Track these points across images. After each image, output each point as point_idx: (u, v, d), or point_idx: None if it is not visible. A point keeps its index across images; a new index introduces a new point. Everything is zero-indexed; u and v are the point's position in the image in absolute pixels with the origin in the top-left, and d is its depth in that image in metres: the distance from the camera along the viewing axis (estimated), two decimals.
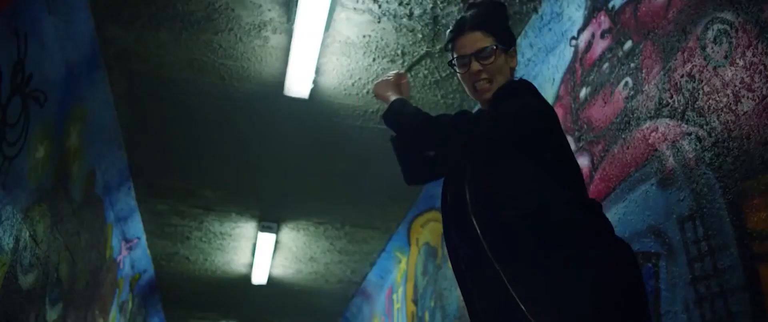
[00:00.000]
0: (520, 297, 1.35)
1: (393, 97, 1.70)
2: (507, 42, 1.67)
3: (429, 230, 4.90)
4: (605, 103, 2.37)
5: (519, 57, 3.05)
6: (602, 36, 2.45)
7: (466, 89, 1.70)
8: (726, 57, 1.74)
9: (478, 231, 1.44)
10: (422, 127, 1.58)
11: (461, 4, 2.92)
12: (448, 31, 1.71)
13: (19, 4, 2.38)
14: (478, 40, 1.62)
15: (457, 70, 1.68)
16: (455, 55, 1.67)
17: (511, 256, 1.38)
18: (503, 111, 1.52)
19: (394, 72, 1.86)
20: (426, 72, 3.41)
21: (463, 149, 1.52)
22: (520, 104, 1.53)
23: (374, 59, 3.33)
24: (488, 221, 1.43)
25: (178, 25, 3.12)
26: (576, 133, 2.59)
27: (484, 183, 1.49)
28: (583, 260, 1.32)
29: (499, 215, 1.42)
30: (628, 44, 2.26)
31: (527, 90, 1.60)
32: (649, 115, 2.08)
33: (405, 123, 1.63)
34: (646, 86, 2.12)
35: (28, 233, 2.87)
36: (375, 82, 1.86)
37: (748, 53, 1.65)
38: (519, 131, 1.50)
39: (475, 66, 1.61)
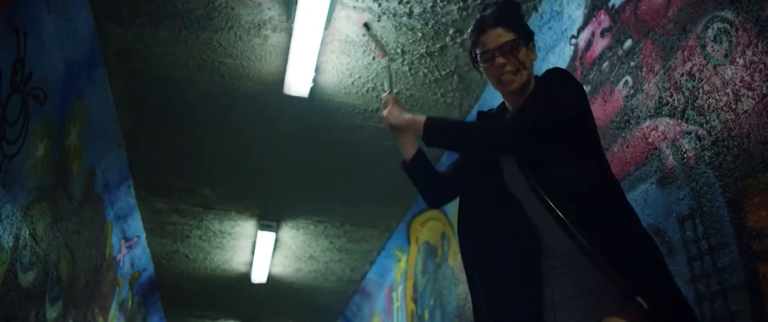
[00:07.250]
0: (608, 261, 1.40)
1: (420, 118, 1.73)
2: (527, 37, 1.74)
3: (429, 228, 4.91)
4: (605, 101, 2.37)
5: None
6: (602, 34, 2.45)
7: (491, 83, 1.77)
8: (726, 56, 1.74)
9: (553, 205, 1.48)
10: (490, 131, 1.65)
11: (460, 3, 2.92)
12: (470, 30, 1.78)
13: (19, 3, 2.38)
14: (501, 35, 1.69)
15: (481, 65, 1.74)
16: (478, 52, 1.73)
17: (593, 223, 1.45)
18: (560, 94, 1.60)
19: (386, 94, 1.89)
20: (425, 70, 3.41)
21: (533, 133, 1.55)
22: (574, 88, 1.63)
23: (374, 58, 3.33)
24: (565, 194, 1.50)
25: (178, 24, 3.11)
26: None
27: (550, 162, 1.56)
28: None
29: (575, 187, 1.51)
30: (628, 43, 2.26)
31: (570, 75, 1.69)
32: (649, 113, 2.09)
33: (468, 133, 1.71)
34: (646, 85, 2.12)
35: (27, 232, 2.87)
36: (380, 116, 1.87)
37: (748, 52, 1.66)
38: (578, 110, 1.60)
39: (500, 60, 1.68)
